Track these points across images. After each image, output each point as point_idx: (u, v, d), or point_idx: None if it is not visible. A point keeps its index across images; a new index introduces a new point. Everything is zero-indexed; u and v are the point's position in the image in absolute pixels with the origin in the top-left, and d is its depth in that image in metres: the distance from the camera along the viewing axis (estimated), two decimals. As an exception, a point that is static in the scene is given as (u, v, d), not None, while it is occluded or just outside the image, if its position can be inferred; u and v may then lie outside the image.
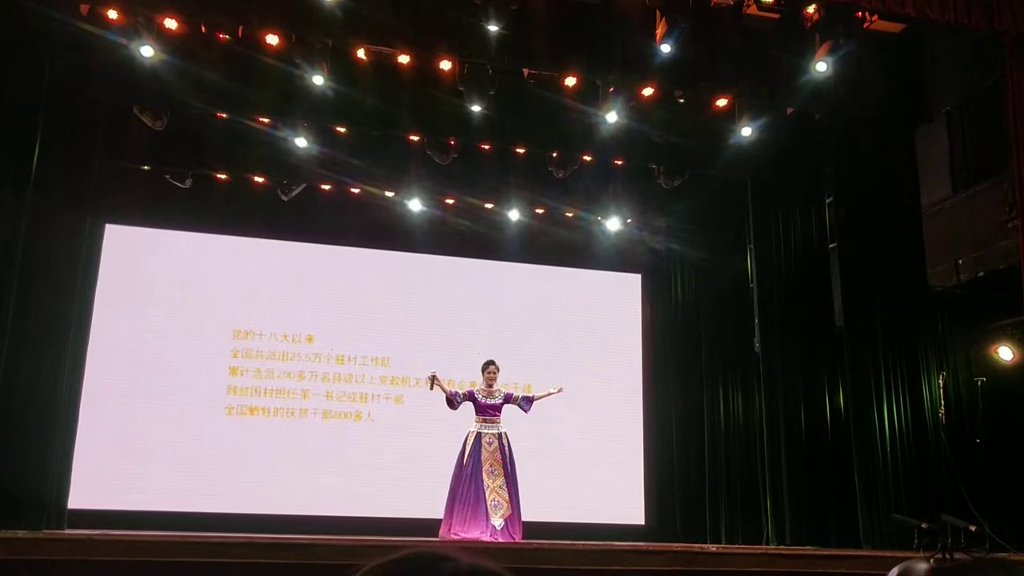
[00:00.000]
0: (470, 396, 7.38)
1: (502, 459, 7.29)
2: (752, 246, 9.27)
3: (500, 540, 6.83)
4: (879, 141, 8.42)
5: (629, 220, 9.79)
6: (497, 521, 7.05)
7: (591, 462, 9.22)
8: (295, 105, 8.07)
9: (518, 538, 7.09)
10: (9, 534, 5.47)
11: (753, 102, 8.26)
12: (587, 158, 8.93)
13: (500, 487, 7.19)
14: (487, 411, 7.36)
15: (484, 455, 7.23)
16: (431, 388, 7.22)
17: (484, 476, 7.16)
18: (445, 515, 7.18)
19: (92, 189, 8.45)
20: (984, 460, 7.85)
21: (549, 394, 7.37)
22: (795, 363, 8.76)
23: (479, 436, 7.30)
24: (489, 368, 7.43)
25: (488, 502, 7.11)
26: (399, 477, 8.71)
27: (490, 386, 7.42)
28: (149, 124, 7.97)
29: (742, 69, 7.86)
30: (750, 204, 9.20)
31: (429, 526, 7.43)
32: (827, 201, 9.00)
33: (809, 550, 6.42)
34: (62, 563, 4.73)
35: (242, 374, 8.68)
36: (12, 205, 7.36)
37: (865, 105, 8.24)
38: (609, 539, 8.63)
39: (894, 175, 8.35)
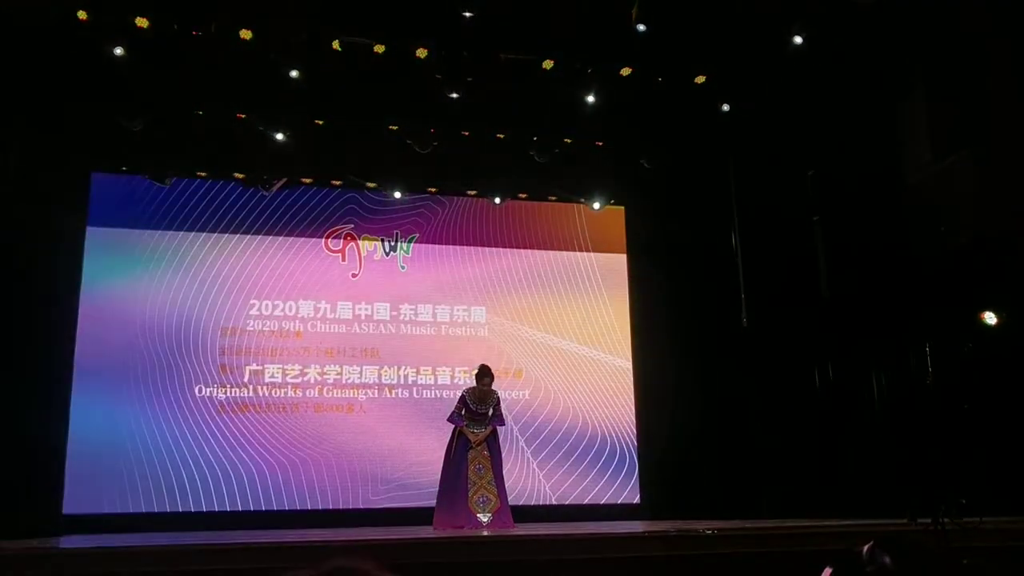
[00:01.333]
0: (463, 405, 7.47)
1: (489, 456, 7.37)
2: (736, 221, 9.29)
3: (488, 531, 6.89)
4: (860, 112, 8.42)
5: (612, 201, 9.78)
6: (484, 517, 7.13)
7: (583, 443, 9.27)
8: (272, 99, 8.02)
9: (510, 526, 7.15)
10: (6, 545, 5.47)
11: (732, 78, 8.24)
12: (568, 141, 8.91)
13: (489, 483, 7.26)
14: (475, 415, 7.46)
15: (471, 455, 7.31)
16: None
17: (471, 474, 7.25)
18: (436, 509, 7.29)
19: (72, 192, 8.43)
20: (972, 426, 7.92)
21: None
22: (783, 336, 8.82)
23: (465, 436, 7.38)
24: (484, 380, 7.47)
25: (475, 499, 7.18)
26: (393, 468, 8.75)
27: (482, 396, 7.47)
28: (126, 125, 7.89)
29: (719, 45, 7.84)
30: (732, 180, 9.21)
31: (424, 517, 7.48)
32: (809, 174, 9.01)
33: (803, 525, 6.47)
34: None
35: (232, 371, 8.66)
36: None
37: (845, 76, 8.23)
38: (604, 520, 8.72)
39: (875, 146, 8.37)
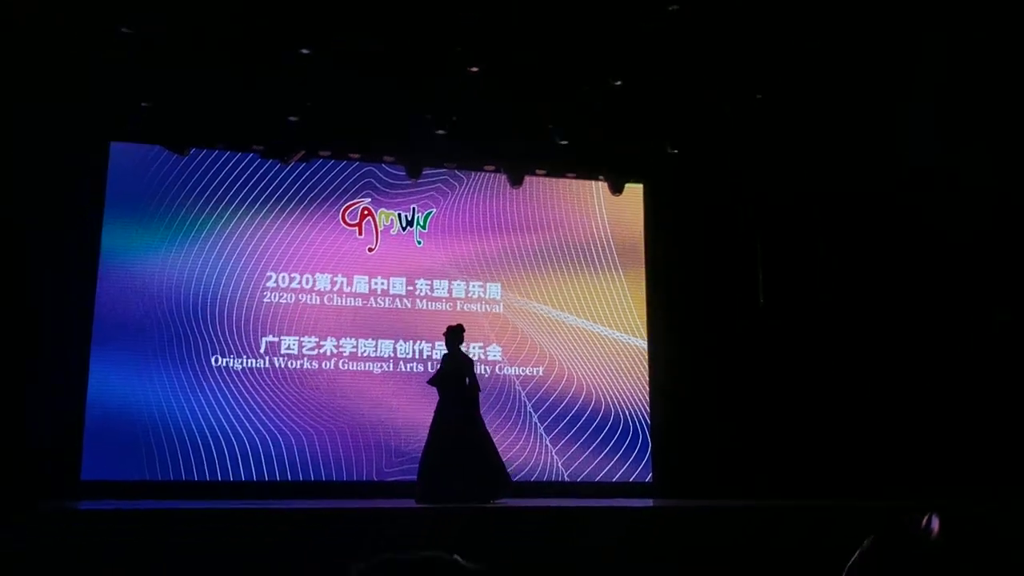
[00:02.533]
0: (442, 367, 7.50)
1: (467, 424, 7.29)
2: (754, 200, 9.25)
3: (471, 504, 6.72)
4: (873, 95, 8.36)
5: (632, 179, 9.74)
6: (463, 485, 6.95)
7: (596, 421, 9.27)
8: (290, 71, 8.00)
9: (503, 495, 7.05)
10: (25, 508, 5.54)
11: (755, 62, 8.19)
12: (588, 117, 8.86)
13: (465, 450, 7.13)
14: (451, 379, 7.43)
15: (451, 422, 7.24)
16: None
17: (450, 444, 7.14)
18: (417, 483, 7.20)
19: (91, 161, 8.45)
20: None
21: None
22: (800, 316, 8.80)
23: (446, 403, 7.36)
24: (460, 334, 7.52)
25: (451, 469, 7.03)
26: (407, 441, 8.75)
27: (457, 353, 7.49)
28: (143, 99, 7.91)
29: (743, 28, 7.78)
30: (752, 159, 9.16)
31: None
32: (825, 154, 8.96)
33: (819, 504, 6.47)
34: (80, 540, 4.78)
35: (248, 342, 8.70)
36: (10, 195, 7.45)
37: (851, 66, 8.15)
38: (616, 497, 8.73)
39: (888, 130, 8.32)
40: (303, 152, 8.91)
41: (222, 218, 8.86)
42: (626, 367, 9.51)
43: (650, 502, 8.22)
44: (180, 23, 7.42)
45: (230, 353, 8.64)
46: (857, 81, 8.26)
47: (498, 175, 9.53)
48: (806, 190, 9.10)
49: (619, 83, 8.02)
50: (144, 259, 8.58)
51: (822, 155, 8.98)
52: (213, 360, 8.59)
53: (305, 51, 7.63)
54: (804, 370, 8.80)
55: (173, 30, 7.45)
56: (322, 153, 9.10)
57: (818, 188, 9.05)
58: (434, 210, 9.39)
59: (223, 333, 8.66)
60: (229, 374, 8.60)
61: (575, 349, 9.44)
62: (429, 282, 9.27)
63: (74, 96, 7.95)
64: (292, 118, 8.25)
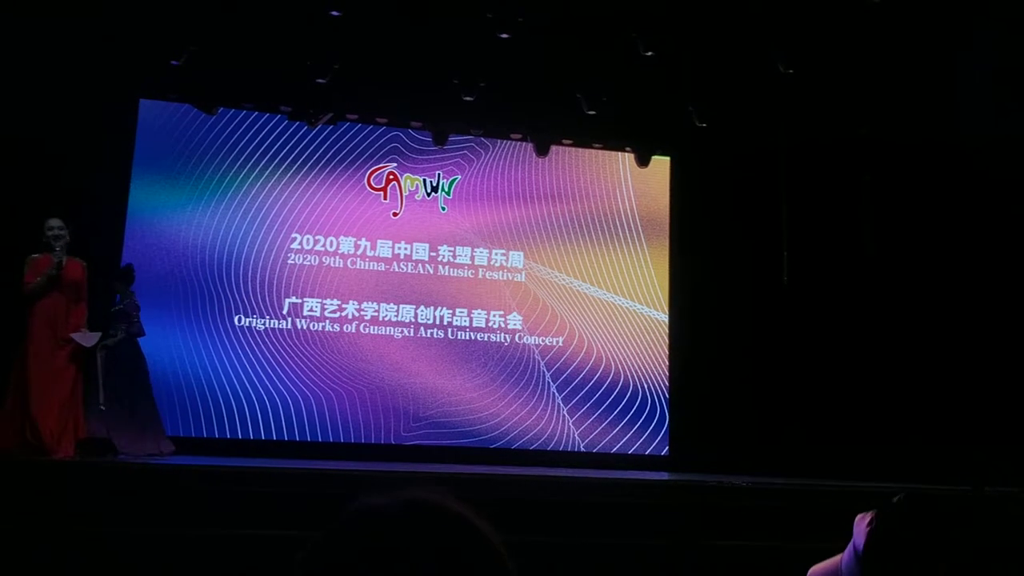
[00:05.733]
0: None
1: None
2: (783, 177, 9.14)
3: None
4: (915, 65, 8.18)
5: (659, 151, 9.65)
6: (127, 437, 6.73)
7: (615, 392, 9.28)
8: (317, 36, 7.98)
9: (157, 451, 6.83)
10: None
11: (786, 33, 8.05)
12: (616, 89, 8.77)
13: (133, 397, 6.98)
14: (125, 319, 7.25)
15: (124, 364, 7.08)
16: None
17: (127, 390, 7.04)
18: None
19: (121, 117, 8.49)
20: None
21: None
22: (823, 295, 8.72)
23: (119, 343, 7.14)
24: (132, 275, 7.34)
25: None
26: (426, 406, 8.81)
27: (132, 295, 7.31)
28: (174, 57, 7.92)
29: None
30: (782, 135, 9.05)
31: (455, 455, 7.56)
32: (861, 132, 8.82)
33: (837, 483, 6.45)
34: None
35: (271, 303, 8.74)
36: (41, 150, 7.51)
37: (900, 25, 7.97)
38: (630, 469, 8.76)
39: (931, 101, 8.14)
40: (330, 115, 8.90)
41: (248, 178, 8.89)
42: (646, 340, 9.50)
43: (665, 475, 8.23)
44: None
45: (253, 313, 8.71)
46: (898, 49, 8.08)
47: (524, 144, 9.49)
48: (835, 170, 8.97)
49: (649, 54, 7.91)
50: (170, 217, 8.64)
51: (854, 134, 8.84)
52: (236, 319, 8.66)
53: (335, 13, 7.60)
54: (823, 351, 8.74)
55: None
56: (349, 116, 9.10)
57: (848, 169, 8.91)
58: (459, 177, 9.38)
59: (247, 293, 8.72)
60: (252, 334, 8.68)
61: (596, 320, 9.43)
62: (452, 248, 9.27)
63: (106, 52, 7.96)
64: (320, 80, 8.23)
